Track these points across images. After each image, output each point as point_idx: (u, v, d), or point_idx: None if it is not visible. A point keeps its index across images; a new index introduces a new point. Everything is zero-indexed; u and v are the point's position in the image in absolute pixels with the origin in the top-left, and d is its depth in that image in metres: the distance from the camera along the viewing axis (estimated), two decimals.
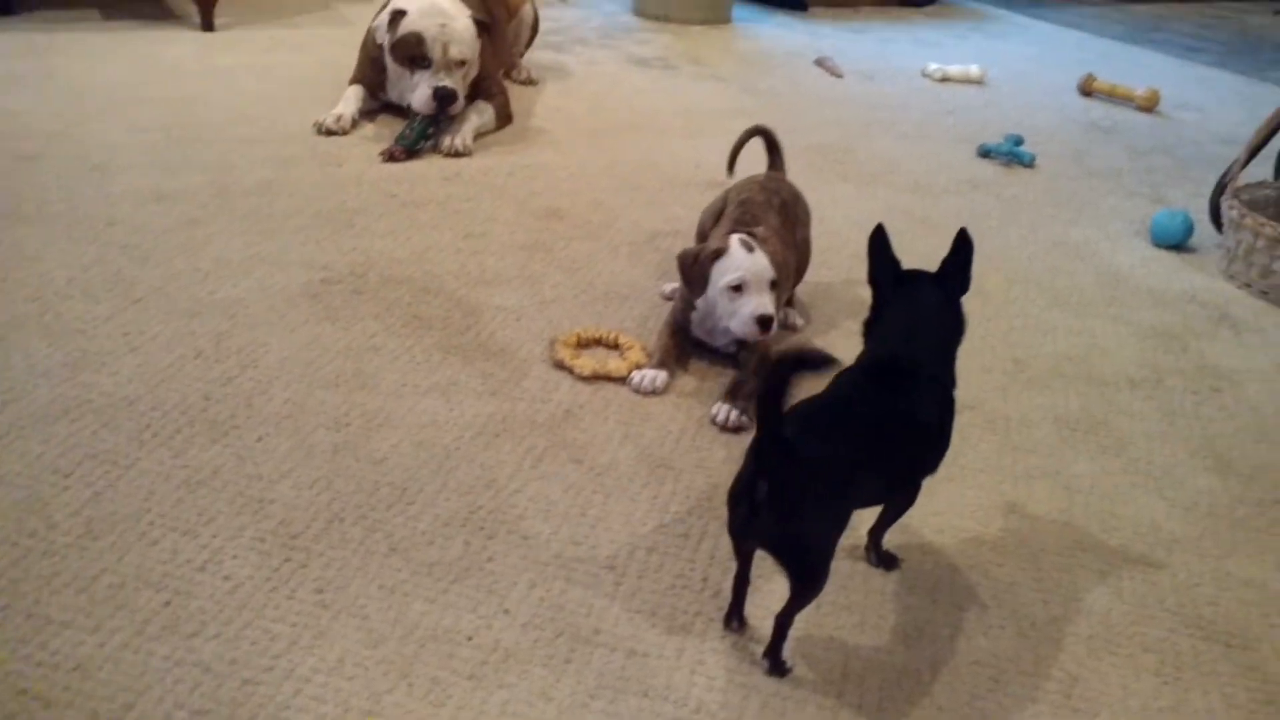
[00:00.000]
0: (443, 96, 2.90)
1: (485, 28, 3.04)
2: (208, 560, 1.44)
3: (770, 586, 1.47)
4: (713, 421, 1.86)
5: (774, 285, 1.92)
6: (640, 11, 4.84)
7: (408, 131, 2.89)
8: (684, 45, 4.39)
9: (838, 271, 2.47)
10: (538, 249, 2.44)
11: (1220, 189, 2.85)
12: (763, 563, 1.38)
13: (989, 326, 2.29)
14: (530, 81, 3.66)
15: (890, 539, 1.57)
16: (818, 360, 1.25)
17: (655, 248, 2.50)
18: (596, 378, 1.95)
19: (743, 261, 1.89)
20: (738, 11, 4.99)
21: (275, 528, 1.52)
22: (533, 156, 3.00)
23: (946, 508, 1.70)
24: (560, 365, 1.97)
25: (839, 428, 1.33)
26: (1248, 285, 2.61)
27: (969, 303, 1.49)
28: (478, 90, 3.14)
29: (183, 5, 4.06)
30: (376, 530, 1.54)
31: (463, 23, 2.94)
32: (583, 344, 2.06)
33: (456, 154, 2.93)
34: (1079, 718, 1.35)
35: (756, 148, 2.42)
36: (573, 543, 1.55)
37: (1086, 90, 4.24)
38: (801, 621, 1.39)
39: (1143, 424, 2.01)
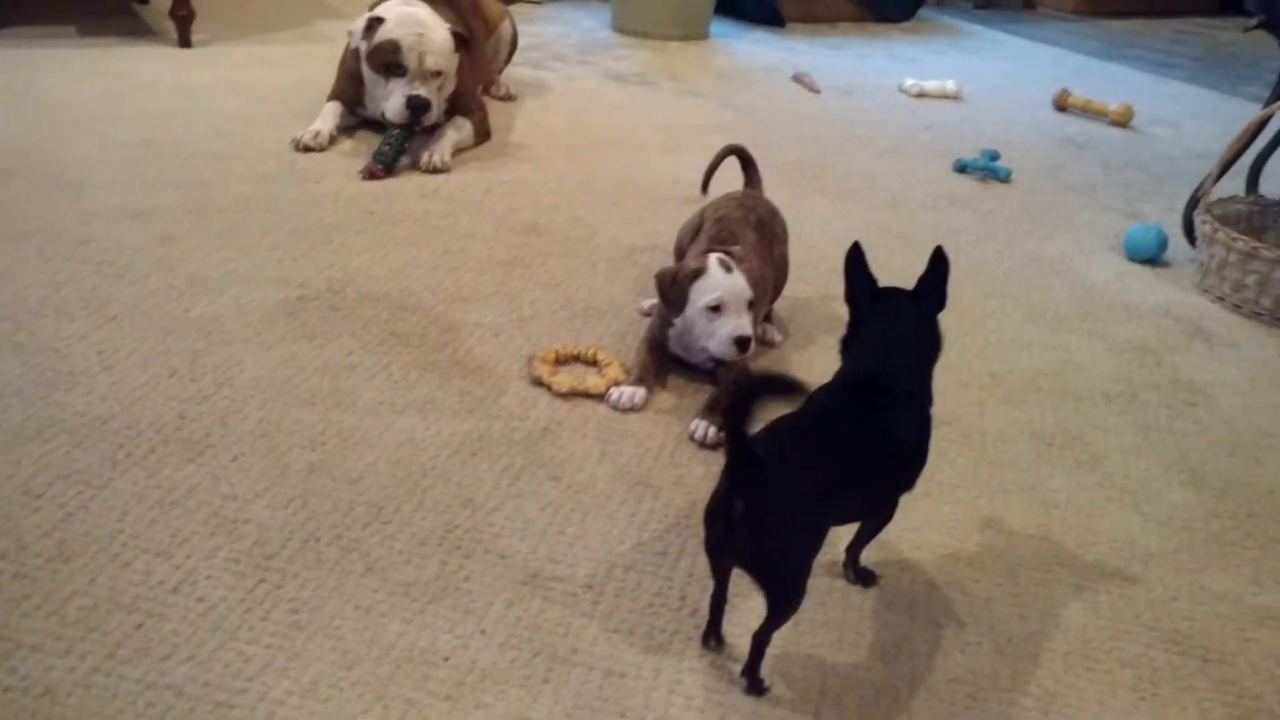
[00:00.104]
0: (416, 105, 2.89)
1: (463, 41, 3.04)
2: (181, 581, 1.43)
3: (748, 604, 1.46)
4: (691, 438, 1.86)
5: (752, 305, 1.92)
6: (619, 27, 4.86)
7: (385, 148, 2.88)
8: (662, 61, 4.41)
9: (815, 287, 2.47)
10: (516, 265, 2.43)
11: (1193, 203, 2.87)
12: (740, 581, 1.38)
13: (965, 341, 2.30)
14: (509, 97, 3.66)
15: (868, 555, 1.57)
16: (786, 387, 1.25)
17: (634, 263, 2.50)
18: (574, 395, 1.95)
19: (721, 282, 1.89)
20: (716, 27, 5.01)
21: (250, 548, 1.51)
22: (511, 172, 3.00)
23: (924, 523, 1.71)
24: (538, 382, 1.97)
25: (815, 445, 1.34)
26: (1221, 299, 2.63)
27: (945, 318, 1.50)
28: (456, 106, 3.14)
29: (160, 21, 4.04)
30: (352, 550, 1.53)
31: (440, 34, 2.94)
32: (561, 360, 2.06)
33: (435, 170, 2.92)
34: None
35: (733, 166, 2.44)
36: (550, 561, 1.54)
37: (1061, 106, 4.27)
38: (779, 639, 1.39)
39: (1118, 438, 2.02)
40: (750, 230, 2.13)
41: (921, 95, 4.26)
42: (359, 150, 3.01)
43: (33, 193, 2.53)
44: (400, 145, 2.89)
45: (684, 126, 3.56)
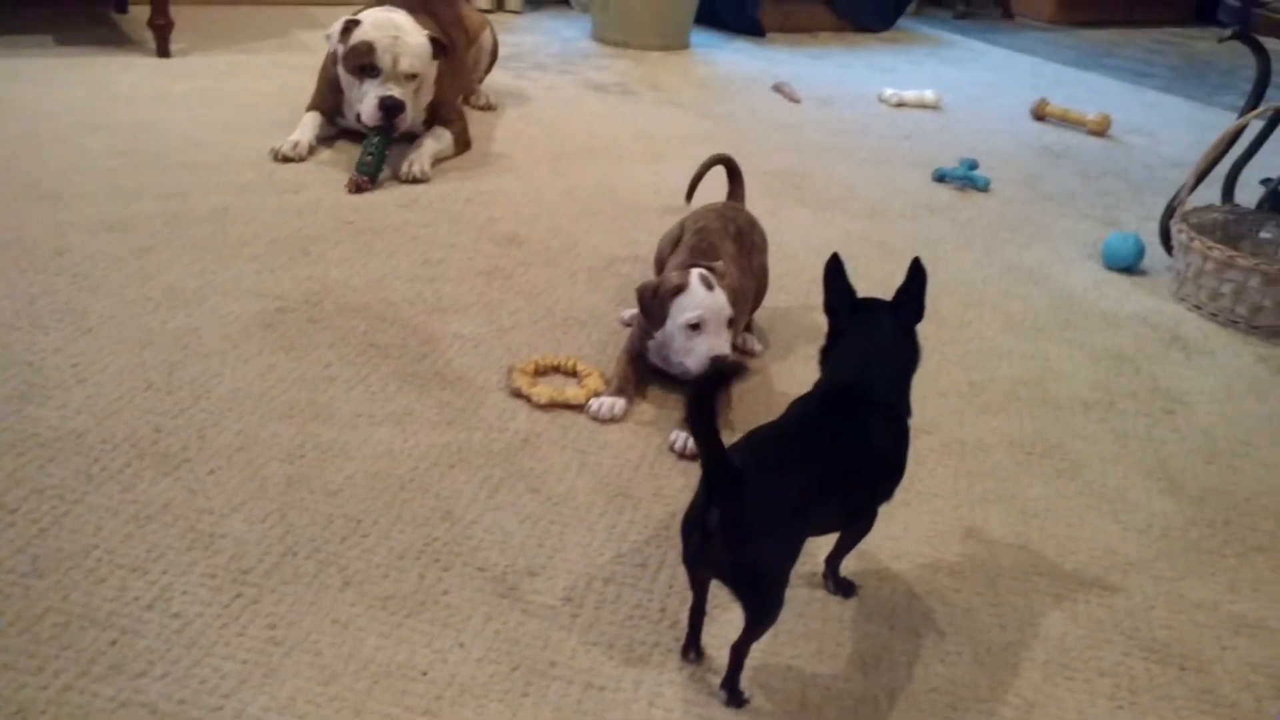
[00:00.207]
0: (389, 106, 2.87)
1: (442, 48, 3.03)
2: (156, 597, 1.42)
3: (728, 616, 1.46)
4: (671, 449, 1.86)
5: (731, 323, 1.92)
6: (599, 37, 4.86)
7: (367, 158, 2.86)
8: (642, 71, 4.41)
9: (795, 296, 2.48)
10: (496, 275, 2.43)
11: (1170, 212, 2.89)
12: (720, 593, 1.37)
13: (945, 350, 2.31)
14: (489, 107, 3.65)
15: (847, 565, 1.57)
16: (726, 373, 1.26)
17: (614, 273, 2.50)
18: (554, 406, 1.94)
19: (702, 300, 1.89)
20: (696, 37, 5.02)
21: (226, 563, 1.49)
22: (491, 182, 2.99)
23: (903, 533, 1.71)
24: (517, 393, 1.96)
25: (792, 455, 1.33)
26: (1198, 307, 2.65)
27: (924, 328, 1.50)
28: (436, 116, 3.13)
29: (138, 31, 4.03)
30: (330, 564, 1.52)
31: (417, 38, 2.93)
32: (540, 371, 2.05)
33: (414, 180, 2.92)
34: None
35: (717, 177, 2.44)
36: (529, 574, 1.54)
37: (1039, 115, 4.30)
38: (759, 650, 1.39)
39: (1097, 447, 2.03)
40: (729, 241, 2.13)
41: (901, 105, 4.28)
42: (338, 161, 3.00)
43: (8, 203, 2.51)
44: (381, 154, 2.88)
45: (665, 136, 3.56)
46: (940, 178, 3.41)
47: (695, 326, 1.89)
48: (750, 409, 2.00)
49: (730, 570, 1.28)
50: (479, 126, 3.41)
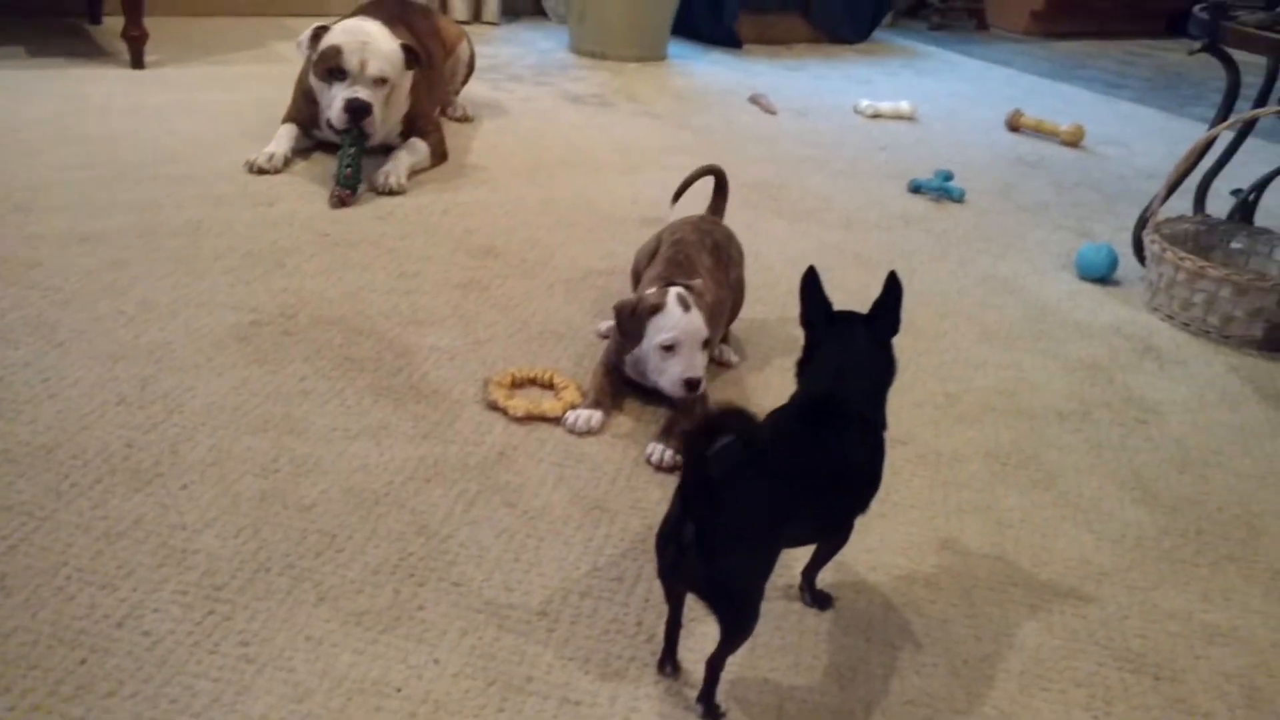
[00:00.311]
0: (355, 108, 2.86)
1: (415, 56, 3.02)
2: (127, 615, 1.40)
3: (704, 629, 1.46)
4: (648, 461, 1.86)
5: (707, 344, 1.92)
6: (576, 48, 4.87)
7: (346, 170, 2.84)
8: (619, 82, 4.42)
9: (772, 308, 2.48)
10: (472, 288, 2.42)
11: (1142, 223, 2.92)
12: (696, 606, 1.37)
13: (920, 361, 2.32)
14: (466, 119, 3.65)
15: (824, 577, 1.57)
16: (746, 425, 1.24)
17: (591, 285, 2.50)
18: (530, 418, 1.94)
19: (678, 321, 1.89)
20: (673, 49, 5.04)
21: (199, 579, 1.48)
22: (468, 194, 2.99)
23: (879, 544, 1.71)
24: (494, 406, 1.96)
25: (767, 468, 1.33)
26: (1170, 317, 2.67)
27: (900, 339, 1.50)
28: (412, 127, 3.13)
29: (112, 42, 4.00)
30: (304, 580, 1.50)
31: (387, 45, 2.92)
32: (517, 384, 2.05)
33: (390, 192, 2.91)
34: None
35: (701, 189, 2.44)
36: (505, 589, 1.53)
37: (1014, 126, 4.33)
38: (735, 663, 1.38)
39: (1071, 457, 2.04)
40: (706, 254, 2.13)
41: (876, 116, 4.30)
42: (314, 173, 2.99)
43: None
44: (358, 164, 2.87)
45: (642, 147, 3.57)
46: (916, 189, 3.43)
47: (670, 348, 1.89)
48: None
49: (705, 584, 1.27)
50: (456, 138, 3.41)
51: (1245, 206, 3.04)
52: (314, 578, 1.51)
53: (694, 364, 1.89)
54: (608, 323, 2.23)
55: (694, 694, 1.36)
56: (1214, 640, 1.60)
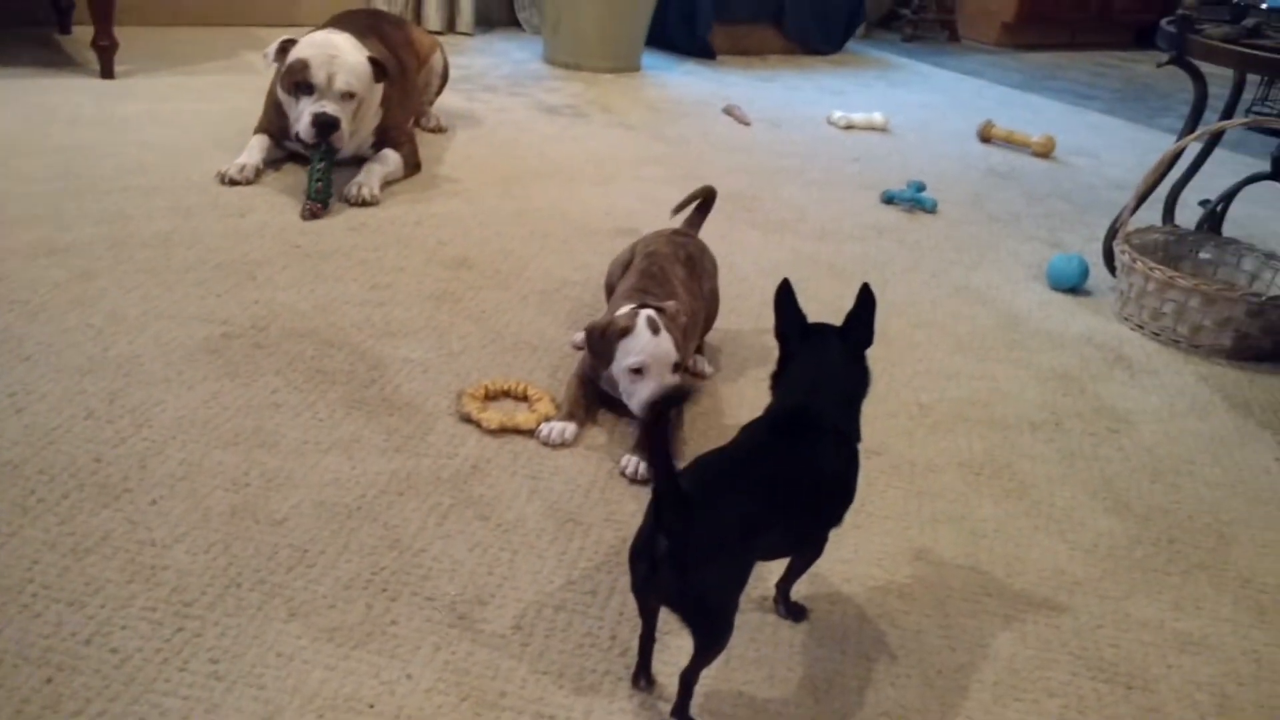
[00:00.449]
0: (322, 123, 2.84)
1: (383, 70, 3.01)
2: (94, 632, 1.38)
3: (679, 643, 1.45)
4: (622, 474, 1.85)
5: (677, 367, 1.91)
6: (550, 59, 4.87)
7: (318, 183, 2.82)
8: (594, 93, 4.42)
9: (746, 318, 2.48)
10: (446, 299, 2.41)
11: (1113, 233, 2.94)
12: (671, 619, 1.37)
13: (894, 372, 2.33)
14: (439, 129, 3.64)
15: (798, 589, 1.57)
16: (679, 395, 1.25)
17: (565, 296, 2.49)
18: (504, 431, 1.93)
19: (646, 345, 1.88)
20: (647, 60, 5.05)
21: (168, 595, 1.46)
22: (441, 205, 2.98)
23: (854, 555, 1.71)
24: (467, 418, 1.95)
25: (740, 481, 1.33)
26: (1140, 327, 2.69)
27: (873, 350, 1.51)
28: (385, 138, 3.12)
29: (82, 52, 3.97)
30: (275, 595, 1.49)
31: (355, 58, 2.91)
32: (491, 396, 2.04)
33: (363, 203, 2.90)
34: None
35: (677, 199, 2.44)
36: (479, 603, 1.52)
37: (985, 137, 4.37)
38: (709, 676, 1.38)
39: (1044, 466, 2.05)
40: (680, 266, 2.13)
41: (849, 127, 4.32)
42: (286, 184, 2.97)
43: None
44: (328, 177, 2.85)
45: (616, 158, 3.57)
46: (889, 199, 3.44)
47: (638, 371, 1.89)
48: (701, 431, 2.00)
49: (678, 598, 1.27)
50: (429, 149, 3.40)
51: (1213, 217, 3.08)
52: (285, 593, 1.49)
53: (664, 387, 1.89)
54: (582, 334, 2.23)
55: (668, 708, 1.35)
56: (1185, 649, 1.61)
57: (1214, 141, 3.04)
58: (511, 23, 5.56)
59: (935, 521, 1.84)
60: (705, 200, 2.40)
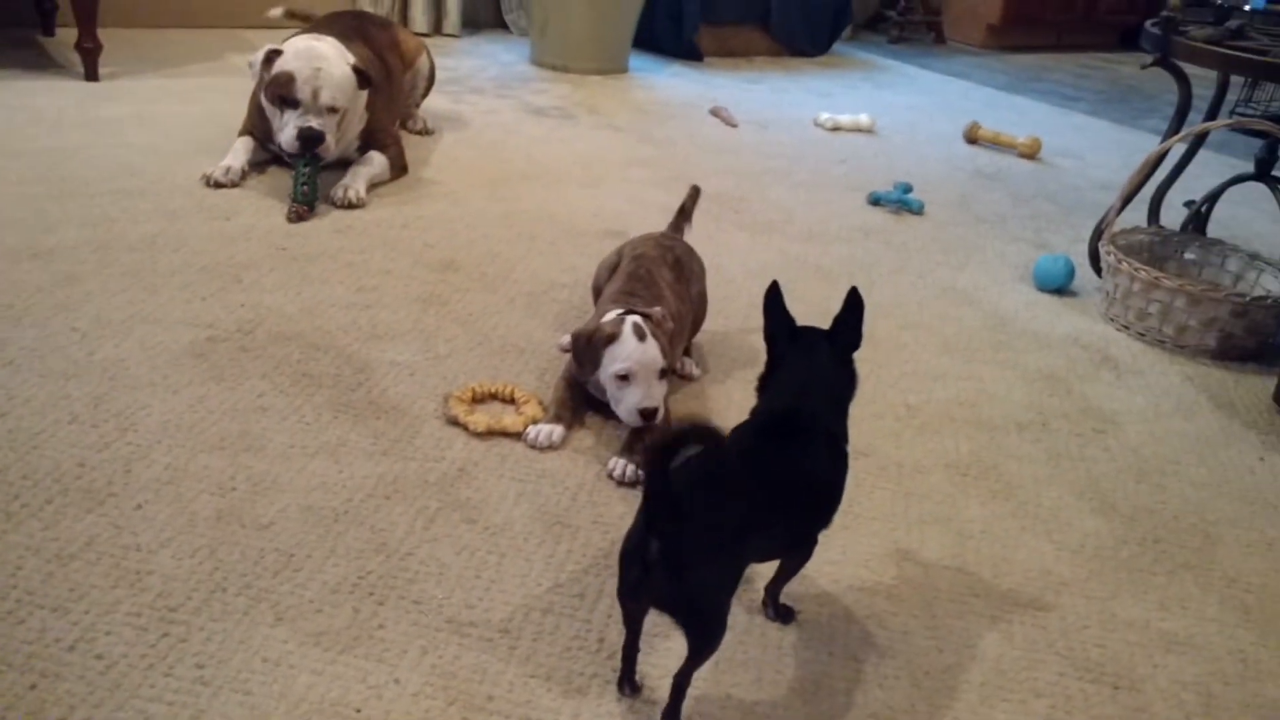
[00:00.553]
0: (307, 138, 2.84)
1: (366, 79, 2.99)
2: (79, 639, 1.38)
3: (667, 645, 1.46)
4: (610, 476, 1.85)
5: (664, 374, 1.91)
6: (537, 61, 4.87)
7: (304, 186, 2.82)
8: (581, 95, 4.42)
9: (734, 320, 2.48)
10: (432, 302, 2.41)
11: (1098, 234, 2.95)
12: (655, 624, 1.37)
13: (881, 373, 2.33)
14: (426, 132, 3.64)
15: (786, 591, 1.57)
16: (710, 436, 1.24)
17: (553, 299, 2.49)
18: (491, 434, 1.92)
19: (632, 352, 1.88)
20: (634, 62, 5.05)
21: (153, 600, 1.46)
22: (428, 207, 2.97)
23: (841, 557, 1.72)
24: (454, 421, 1.94)
25: (732, 483, 1.33)
26: (1126, 327, 2.70)
27: (861, 351, 1.51)
28: (371, 141, 3.11)
29: (65, 54, 3.95)
30: (261, 600, 1.48)
31: (340, 70, 2.90)
32: (478, 399, 2.04)
33: (350, 206, 2.89)
34: None
35: (668, 205, 2.44)
36: (466, 606, 1.52)
37: (972, 138, 4.38)
38: (698, 679, 1.38)
39: (1031, 467, 2.05)
40: (667, 269, 2.13)
41: (836, 129, 4.33)
42: (271, 186, 2.96)
43: None
44: (314, 181, 2.85)
45: (603, 160, 3.57)
46: (875, 201, 3.45)
47: (624, 377, 1.89)
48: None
49: (671, 601, 1.27)
50: (415, 151, 3.39)
51: (1198, 218, 3.09)
52: (271, 598, 1.49)
53: (650, 394, 1.88)
54: (569, 337, 2.23)
55: (657, 711, 1.35)
56: (1171, 649, 1.61)
57: (1198, 143, 3.05)
58: (499, 25, 5.56)
59: (922, 522, 1.84)
60: (689, 203, 2.40)
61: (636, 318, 1.91)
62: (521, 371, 2.15)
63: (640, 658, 1.40)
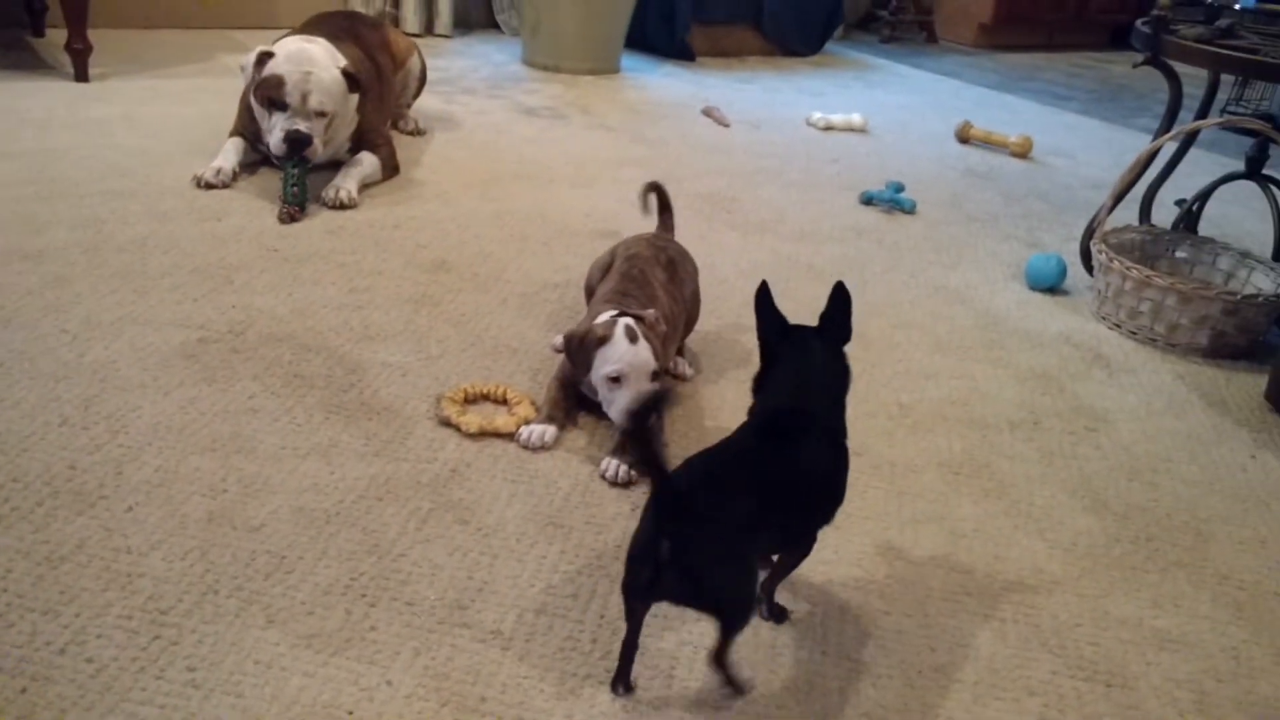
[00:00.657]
0: (294, 140, 2.83)
1: (356, 83, 2.98)
2: (69, 642, 1.37)
3: (659, 646, 1.45)
4: (602, 476, 1.85)
5: (656, 375, 1.91)
6: (529, 61, 4.86)
7: (294, 188, 2.81)
8: (573, 95, 4.42)
9: (726, 320, 2.48)
10: (424, 302, 2.40)
11: (1090, 233, 2.96)
12: (648, 623, 1.36)
13: (874, 373, 2.33)
14: (418, 132, 3.63)
15: (779, 590, 1.57)
16: (656, 401, 1.27)
17: (545, 299, 2.48)
18: (484, 434, 1.92)
19: (624, 354, 1.88)
20: (626, 62, 5.05)
21: (144, 603, 1.45)
22: (420, 208, 2.97)
23: (835, 556, 1.71)
24: (446, 422, 1.94)
25: (737, 481, 1.34)
26: (1118, 326, 2.71)
27: (853, 350, 1.51)
28: (362, 141, 3.10)
29: (55, 55, 3.94)
30: (253, 602, 1.48)
31: (330, 75, 2.89)
32: (470, 399, 2.03)
33: (341, 206, 2.88)
34: None
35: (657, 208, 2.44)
36: (459, 608, 1.51)
37: (963, 137, 4.38)
38: (689, 680, 1.38)
39: (1023, 466, 2.05)
40: (660, 269, 2.13)
41: (828, 128, 4.33)
42: (262, 187, 2.96)
43: None
44: (303, 182, 2.84)
45: (596, 160, 3.56)
46: (868, 200, 3.45)
47: (616, 379, 1.89)
48: (682, 433, 2.00)
49: (693, 596, 1.29)
50: (407, 151, 3.38)
51: (1189, 216, 3.10)
52: (263, 600, 1.48)
53: (640, 394, 1.88)
54: (561, 338, 2.22)
55: (651, 712, 1.35)
56: (1164, 646, 1.61)
57: (1189, 141, 3.06)
58: (490, 25, 5.55)
59: (915, 521, 1.84)
60: (662, 204, 2.40)
61: (629, 320, 1.91)
62: (514, 372, 2.15)
63: (635, 654, 1.40)
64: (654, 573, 1.27)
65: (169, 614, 1.44)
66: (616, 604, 1.53)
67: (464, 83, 4.41)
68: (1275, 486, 2.09)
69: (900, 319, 2.63)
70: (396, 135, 3.48)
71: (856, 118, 4.36)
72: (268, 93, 2.85)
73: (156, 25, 4.65)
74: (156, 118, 3.44)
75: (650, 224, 2.42)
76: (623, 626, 1.37)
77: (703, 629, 1.51)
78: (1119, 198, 2.83)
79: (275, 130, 2.85)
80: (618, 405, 1.88)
